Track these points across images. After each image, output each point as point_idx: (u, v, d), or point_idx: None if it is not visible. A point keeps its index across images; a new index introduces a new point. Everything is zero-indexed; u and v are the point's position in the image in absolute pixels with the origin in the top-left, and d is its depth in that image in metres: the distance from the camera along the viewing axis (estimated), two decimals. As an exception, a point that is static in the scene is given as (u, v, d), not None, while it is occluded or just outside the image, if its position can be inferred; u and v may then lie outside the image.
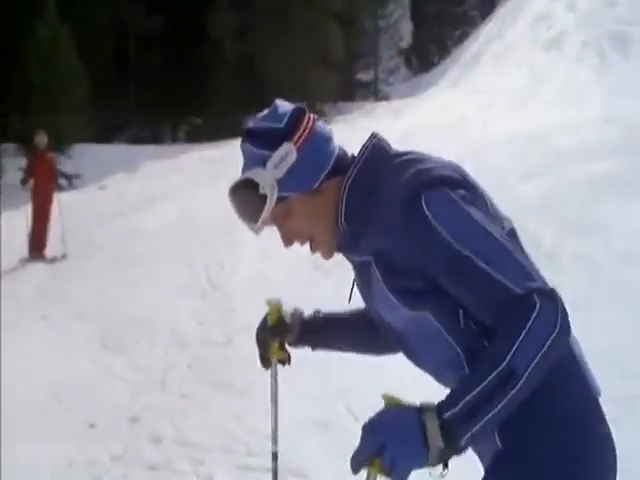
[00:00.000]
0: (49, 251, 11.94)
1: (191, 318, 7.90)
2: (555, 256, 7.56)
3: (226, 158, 18.33)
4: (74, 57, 23.62)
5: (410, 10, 45.42)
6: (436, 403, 1.42)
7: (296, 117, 1.78)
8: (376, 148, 1.80)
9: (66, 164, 21.07)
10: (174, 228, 12.47)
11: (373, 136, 1.82)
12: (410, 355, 1.84)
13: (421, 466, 1.39)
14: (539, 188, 9.63)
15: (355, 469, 1.40)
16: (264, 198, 1.74)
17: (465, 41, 36.37)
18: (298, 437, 4.70)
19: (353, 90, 40.38)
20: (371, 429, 1.40)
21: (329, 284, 7.55)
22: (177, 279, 9.43)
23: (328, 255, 1.86)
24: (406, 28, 45.27)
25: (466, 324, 1.63)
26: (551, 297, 1.48)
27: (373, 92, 40.48)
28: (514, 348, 1.42)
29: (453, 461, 1.46)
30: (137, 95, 30.77)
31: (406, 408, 1.42)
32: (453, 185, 1.65)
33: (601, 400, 1.72)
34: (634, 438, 3.78)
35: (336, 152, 1.80)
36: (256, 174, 1.76)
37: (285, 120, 1.77)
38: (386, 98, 36.23)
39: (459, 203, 1.61)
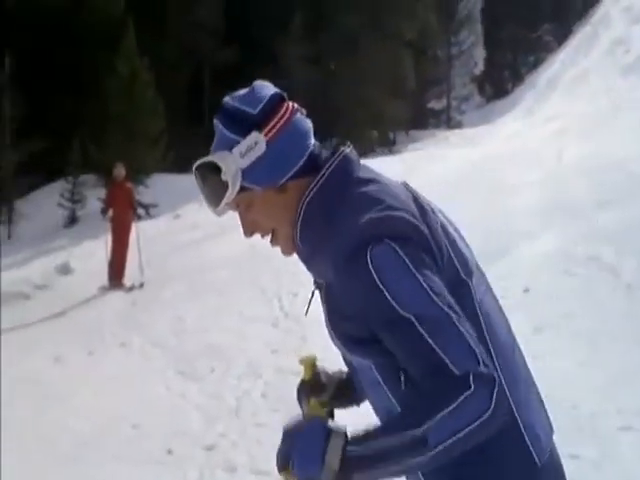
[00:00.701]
0: (127, 280, 12.19)
1: (265, 346, 7.94)
2: (634, 286, 7.35)
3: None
4: (151, 90, 24.22)
5: (483, 36, 45.24)
6: (349, 431, 1.44)
7: (272, 105, 1.66)
8: (342, 167, 1.67)
9: (144, 194, 21.55)
10: (246, 256, 12.58)
11: (341, 152, 1.69)
12: (363, 390, 1.80)
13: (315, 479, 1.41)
14: (618, 217, 9.40)
15: (278, 470, 1.48)
16: (225, 186, 1.65)
17: (539, 67, 36.04)
18: None
19: (425, 118, 40.32)
20: (283, 435, 1.49)
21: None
22: (250, 307, 9.50)
23: (288, 252, 1.79)
24: (479, 55, 45.08)
25: (407, 385, 1.57)
26: (488, 381, 1.41)
27: (445, 120, 40.35)
28: (435, 419, 1.38)
29: None
30: (211, 125, 31.28)
31: (319, 422, 1.46)
32: (404, 240, 1.54)
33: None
34: None
35: (309, 150, 1.67)
36: (221, 159, 1.64)
37: (260, 107, 1.65)
38: (458, 126, 36.09)
39: (406, 264, 1.50)
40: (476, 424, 1.38)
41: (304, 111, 1.73)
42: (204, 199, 1.73)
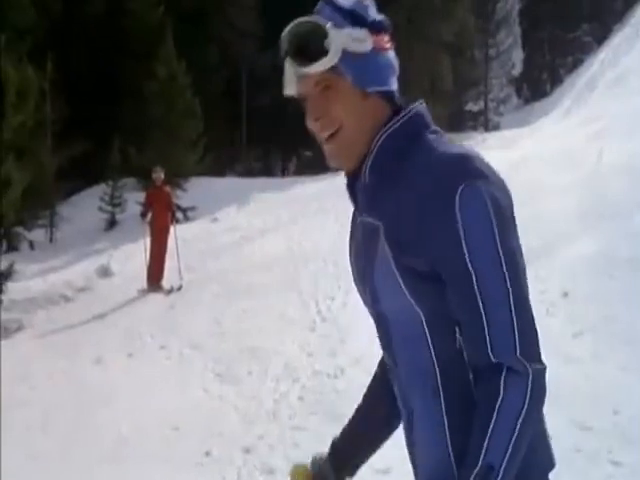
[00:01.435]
0: (166, 282, 12.29)
1: (302, 349, 7.96)
2: (677, 289, 7.26)
3: (334, 191, 18.49)
4: (189, 93, 24.42)
5: (521, 38, 44.90)
6: None
7: (384, 27, 1.63)
8: (422, 114, 1.64)
9: (182, 197, 21.71)
10: (284, 259, 12.64)
11: (421, 102, 1.66)
12: (387, 349, 1.70)
13: None
14: (659, 218, 9.28)
15: None
16: (324, 53, 1.56)
17: (578, 68, 35.67)
18: None
19: (463, 120, 40.12)
20: None
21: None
22: (288, 310, 9.54)
23: (337, 159, 1.67)
24: (517, 56, 44.75)
25: (460, 347, 1.53)
26: (520, 376, 1.43)
27: (483, 122, 40.09)
28: (485, 444, 1.41)
29: None
30: (248, 129, 31.49)
31: None
32: (495, 191, 1.50)
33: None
34: None
35: (395, 87, 1.65)
36: (331, 27, 1.56)
37: (374, 18, 1.62)
38: (496, 128, 35.85)
39: (491, 218, 1.47)
40: (518, 427, 1.41)
41: None
42: (291, 59, 1.64)
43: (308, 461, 2.02)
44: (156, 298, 11.73)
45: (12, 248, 19.23)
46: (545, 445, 1.63)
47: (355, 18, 1.59)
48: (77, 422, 6.78)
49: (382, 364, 1.88)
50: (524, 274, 1.53)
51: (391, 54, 1.65)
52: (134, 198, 21.52)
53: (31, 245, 20.53)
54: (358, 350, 7.25)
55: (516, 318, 1.46)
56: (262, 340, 8.43)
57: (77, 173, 23.92)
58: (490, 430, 1.41)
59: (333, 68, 1.57)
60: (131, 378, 7.92)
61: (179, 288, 11.98)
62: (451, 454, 1.56)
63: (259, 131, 31.74)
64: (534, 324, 1.50)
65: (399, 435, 1.82)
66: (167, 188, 13.15)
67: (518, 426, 1.41)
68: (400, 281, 1.55)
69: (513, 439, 1.41)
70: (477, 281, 1.46)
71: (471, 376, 1.52)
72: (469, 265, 1.46)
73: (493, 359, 1.45)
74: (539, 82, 43.71)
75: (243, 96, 30.95)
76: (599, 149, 14.59)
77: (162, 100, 23.56)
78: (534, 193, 11.56)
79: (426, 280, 1.52)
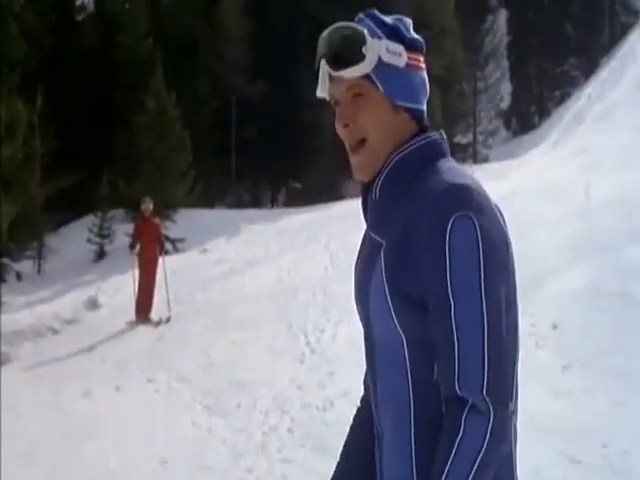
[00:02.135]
0: (155, 314, 12.23)
1: (291, 382, 7.92)
2: (666, 322, 7.27)
3: (324, 222, 18.55)
4: (179, 125, 24.53)
5: (509, 71, 45.35)
6: None
7: (418, 45, 1.67)
8: (440, 142, 1.68)
9: (171, 228, 21.70)
10: (273, 291, 12.62)
11: (440, 133, 1.70)
12: (369, 368, 1.71)
13: None
14: (648, 251, 9.31)
15: None
16: (361, 58, 1.59)
17: (566, 102, 36.03)
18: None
19: (452, 152, 40.22)
20: None
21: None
22: (277, 342, 9.50)
23: (363, 172, 1.67)
24: (505, 89, 45.14)
25: (437, 379, 1.53)
26: (482, 415, 1.43)
27: (472, 154, 40.31)
28: (443, 478, 1.42)
29: None
30: (237, 160, 31.58)
31: None
32: (487, 225, 1.51)
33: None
34: None
35: (424, 104, 1.69)
36: (370, 37, 1.60)
37: (411, 36, 1.66)
38: (485, 160, 36.05)
39: (479, 251, 1.47)
40: (476, 466, 1.41)
41: None
42: (327, 61, 1.63)
43: None
44: (144, 330, 11.66)
45: (-1, 279, 19.14)
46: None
47: (393, 32, 1.63)
48: (64, 455, 6.71)
49: (363, 399, 1.87)
50: (510, 314, 1.52)
51: (424, 75, 1.69)
52: (123, 229, 21.49)
53: (18, 276, 20.43)
54: (347, 382, 7.21)
55: (488, 356, 1.45)
56: (251, 372, 8.38)
57: (66, 204, 23.92)
58: (448, 466, 1.42)
59: (367, 76, 1.61)
60: (119, 411, 7.85)
61: (168, 320, 11.92)
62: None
63: (248, 162, 31.82)
64: (508, 365, 1.50)
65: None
66: (156, 219, 13.14)
67: (476, 466, 1.41)
68: (389, 303, 1.56)
69: (470, 478, 1.41)
70: (455, 312, 1.46)
71: (444, 408, 1.51)
72: (449, 294, 1.47)
73: (459, 392, 1.45)
74: (527, 115, 44.07)
75: (232, 127, 31.05)
76: (587, 182, 14.69)
77: (152, 132, 23.66)
78: (523, 225, 11.61)
79: (415, 307, 1.53)
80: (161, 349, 10.33)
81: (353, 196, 23.98)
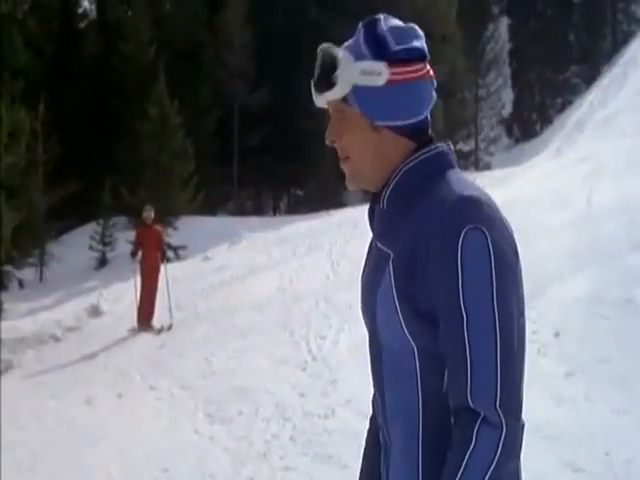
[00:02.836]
0: (156, 322, 12.22)
1: (293, 389, 7.91)
2: (669, 329, 7.25)
3: (326, 229, 18.54)
4: (181, 133, 24.57)
5: (511, 78, 45.39)
6: None
7: (411, 56, 1.62)
8: (446, 153, 1.67)
9: (173, 236, 21.70)
10: (275, 298, 12.61)
11: (448, 143, 1.70)
12: (377, 377, 1.70)
13: None
14: (651, 258, 9.30)
15: None
16: (331, 85, 1.61)
17: (568, 109, 36.04)
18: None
19: (454, 160, 40.30)
20: None
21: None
22: (279, 350, 9.49)
23: (351, 183, 1.69)
24: (507, 96, 45.15)
25: (447, 391, 1.52)
26: (493, 428, 1.42)
27: (473, 162, 40.31)
28: None
29: None
30: (240, 168, 31.60)
31: None
32: (501, 236, 1.51)
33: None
34: None
35: (418, 118, 1.64)
36: (344, 62, 1.60)
37: (401, 47, 1.61)
38: (487, 168, 36.04)
39: (491, 264, 1.47)
40: (486, 479, 1.41)
41: (434, 83, 1.70)
42: (312, 81, 1.67)
43: None
44: (146, 338, 11.66)
45: (1, 287, 19.15)
46: None
47: (377, 47, 1.61)
48: (66, 463, 6.70)
49: (372, 420, 1.85)
50: (519, 325, 1.52)
51: (416, 85, 1.63)
52: (125, 237, 21.51)
53: (20, 284, 20.45)
54: (349, 390, 7.21)
55: (501, 369, 1.45)
56: (253, 380, 8.37)
57: (68, 212, 23.94)
58: (458, 477, 1.42)
59: (344, 98, 1.62)
60: (121, 419, 7.85)
61: (169, 328, 11.91)
62: None
63: (250, 170, 31.84)
64: (519, 379, 1.50)
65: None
66: (158, 227, 13.14)
67: (486, 479, 1.41)
68: (399, 313, 1.55)
69: None
70: (467, 325, 1.46)
71: (452, 420, 1.51)
72: (462, 307, 1.46)
73: (471, 405, 1.44)
74: (529, 122, 44.06)
75: (235, 135, 31.08)
76: (589, 189, 14.67)
77: (154, 139, 23.70)
78: (525, 232, 11.60)
79: (425, 319, 1.53)
80: (163, 356, 10.33)
81: (355, 204, 24.00)
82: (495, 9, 46.40)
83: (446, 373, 1.52)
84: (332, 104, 1.65)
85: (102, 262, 22.20)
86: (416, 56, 1.63)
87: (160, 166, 23.62)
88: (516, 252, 1.56)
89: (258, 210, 34.85)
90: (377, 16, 1.66)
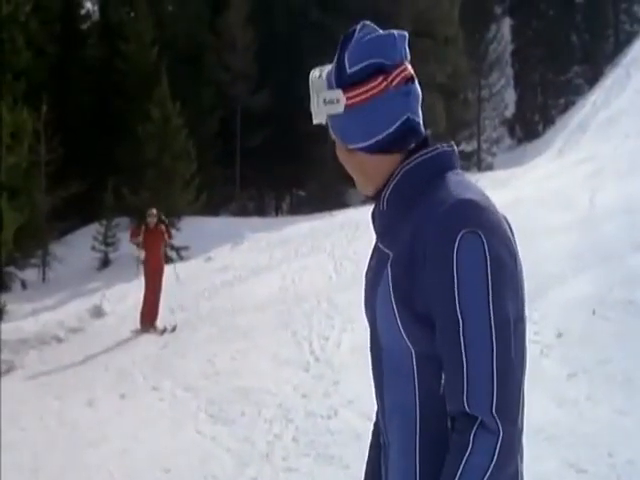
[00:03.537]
0: (160, 322, 12.22)
1: (295, 390, 7.91)
2: (671, 330, 7.25)
3: (328, 230, 18.55)
4: (183, 134, 24.60)
5: (513, 79, 45.39)
6: None
7: (367, 73, 1.60)
8: (447, 155, 1.66)
9: (175, 236, 21.70)
10: (278, 299, 12.61)
11: (450, 144, 1.69)
12: (376, 378, 1.70)
13: None
14: (652, 259, 9.29)
15: None
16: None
17: (571, 109, 36.02)
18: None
19: (456, 161, 40.26)
20: None
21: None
22: (281, 351, 9.49)
23: (362, 191, 1.75)
24: (509, 97, 45.17)
25: (443, 394, 1.52)
26: (490, 434, 1.42)
27: (476, 162, 40.35)
28: None
29: None
30: (242, 169, 31.62)
31: None
32: (498, 240, 1.50)
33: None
34: None
35: (387, 132, 1.61)
36: (316, 90, 1.67)
37: (355, 69, 1.61)
38: (489, 168, 36.07)
39: (487, 267, 1.46)
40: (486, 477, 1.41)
41: (412, 83, 1.65)
42: None
43: None
44: (149, 338, 11.66)
45: (4, 288, 19.18)
46: None
47: (338, 73, 1.63)
48: (68, 464, 6.70)
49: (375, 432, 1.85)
50: (518, 330, 1.51)
51: (378, 100, 1.60)
52: (127, 237, 21.53)
53: (23, 285, 20.48)
54: (352, 391, 7.21)
55: (497, 374, 1.44)
56: (255, 381, 8.37)
57: (71, 213, 23.98)
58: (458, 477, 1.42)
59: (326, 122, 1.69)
60: (123, 419, 7.84)
61: (173, 329, 11.90)
62: None
63: (253, 171, 31.88)
64: (516, 382, 1.49)
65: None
66: (162, 228, 13.09)
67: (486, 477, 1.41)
68: (396, 315, 1.56)
69: None
70: (463, 329, 1.45)
71: (449, 422, 1.51)
72: (458, 312, 1.46)
73: (468, 410, 1.44)
74: (531, 123, 44.09)
75: (237, 136, 31.11)
76: (592, 190, 14.67)
77: (156, 141, 23.74)
78: (528, 233, 11.60)
79: (421, 321, 1.53)
80: (165, 357, 10.33)
81: (357, 204, 24.00)
82: (497, 10, 46.42)
83: (443, 377, 1.52)
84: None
85: (105, 263, 22.24)
86: (371, 73, 1.60)
87: (162, 167, 23.65)
88: (514, 256, 1.55)
89: (260, 211, 34.87)
90: (351, 29, 1.65)
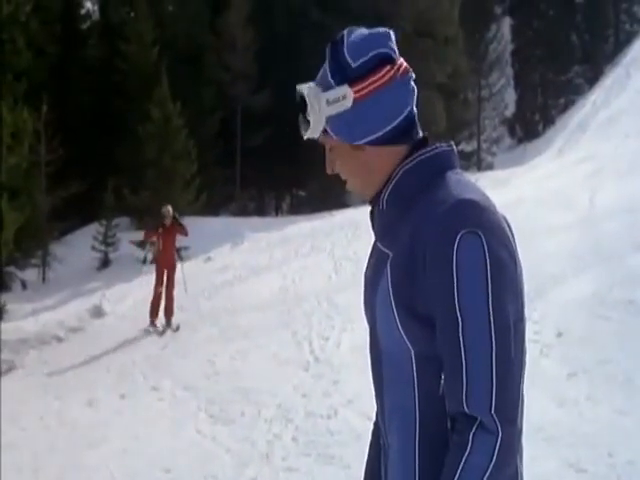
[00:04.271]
0: (159, 322, 12.18)
1: (295, 390, 7.91)
2: (671, 330, 7.25)
3: (328, 230, 18.55)
4: (183, 134, 24.58)
5: (514, 79, 45.38)
6: None
7: (373, 64, 1.60)
8: (448, 154, 1.66)
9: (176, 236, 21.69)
10: (278, 299, 12.61)
11: (451, 144, 1.69)
12: (375, 378, 1.71)
13: None
14: (653, 259, 9.30)
15: None
16: (307, 125, 1.64)
17: (571, 109, 36.03)
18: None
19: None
20: None
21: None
22: (281, 351, 9.49)
23: (358, 195, 1.74)
24: (510, 97, 45.15)
25: (443, 392, 1.52)
26: (489, 434, 1.42)
27: (476, 162, 40.33)
28: None
29: None
30: (242, 169, 31.61)
31: None
32: (498, 240, 1.50)
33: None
34: None
35: (396, 121, 1.62)
36: (311, 99, 1.62)
37: (360, 62, 1.60)
38: (489, 168, 36.06)
39: (487, 269, 1.46)
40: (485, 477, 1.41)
41: (411, 75, 1.67)
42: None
43: None
44: (149, 338, 11.66)
45: (4, 288, 19.17)
46: None
47: (340, 72, 1.61)
48: (68, 464, 6.70)
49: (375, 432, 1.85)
50: (518, 330, 1.51)
51: (385, 90, 1.61)
52: (127, 237, 21.54)
53: (23, 285, 20.46)
54: (352, 391, 7.22)
55: (496, 375, 1.44)
56: (255, 381, 8.38)
57: (71, 212, 23.96)
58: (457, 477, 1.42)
59: (324, 131, 1.64)
60: (123, 419, 7.85)
61: (177, 328, 11.84)
62: None
63: (253, 171, 31.86)
64: (516, 382, 1.49)
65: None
66: (176, 226, 13.01)
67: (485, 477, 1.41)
68: (395, 315, 1.56)
69: None
70: (463, 329, 1.45)
71: (449, 423, 1.51)
72: (457, 312, 1.46)
73: (467, 410, 1.44)
74: (532, 123, 44.06)
75: (237, 136, 31.09)
76: (592, 190, 14.67)
77: (157, 141, 23.72)
78: (528, 233, 11.60)
79: (421, 321, 1.52)
80: (166, 357, 10.33)
81: (357, 204, 23.99)
82: (498, 10, 46.41)
83: (442, 377, 1.52)
84: (319, 138, 1.67)
85: (105, 263, 22.20)
86: (378, 63, 1.61)
87: (162, 167, 23.63)
88: (514, 257, 1.54)
89: (260, 211, 34.85)
90: (339, 35, 1.65)
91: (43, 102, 21.35)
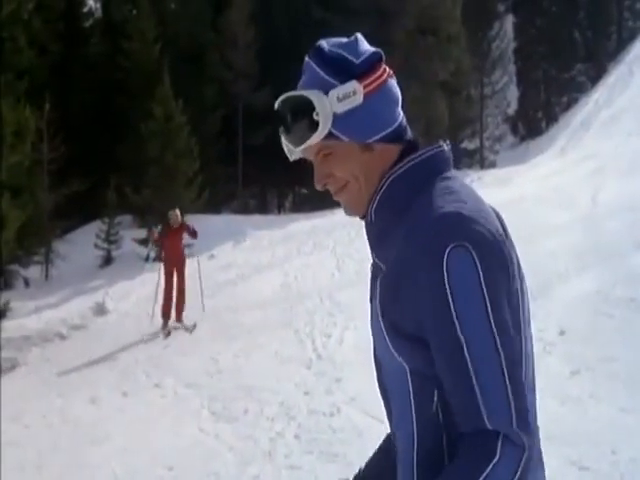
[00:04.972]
0: (172, 322, 12.09)
1: (298, 388, 7.91)
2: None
3: (330, 227, 18.54)
4: (185, 132, 24.58)
5: (516, 77, 45.32)
6: None
7: (373, 61, 1.58)
8: (438, 157, 1.59)
9: (177, 235, 21.69)
10: (280, 297, 12.61)
11: (441, 145, 1.61)
12: (380, 387, 1.68)
13: None
14: (655, 256, 9.29)
15: None
16: (315, 126, 1.55)
17: (573, 107, 35.98)
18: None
19: (458, 158, 40.28)
20: None
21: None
22: (284, 348, 9.49)
23: (350, 209, 1.65)
24: (512, 95, 45.09)
25: (437, 410, 1.49)
26: (516, 447, 1.37)
27: (479, 160, 40.27)
28: None
29: None
30: (244, 166, 31.61)
31: None
32: (486, 252, 1.42)
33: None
34: None
35: (400, 117, 1.61)
36: (317, 98, 1.54)
37: (363, 58, 1.57)
38: (492, 166, 36.02)
39: (480, 281, 1.40)
40: None
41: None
42: (283, 135, 1.63)
43: None
44: (152, 336, 11.65)
45: (7, 285, 19.19)
46: None
47: (342, 69, 1.56)
48: (71, 462, 6.71)
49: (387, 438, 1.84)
50: (524, 337, 1.49)
51: (387, 87, 1.60)
52: (130, 235, 21.55)
53: (26, 282, 20.49)
54: (354, 388, 7.22)
55: (511, 388, 1.39)
56: (258, 378, 8.38)
57: (73, 210, 23.98)
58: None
59: (329, 134, 1.56)
60: (126, 417, 7.85)
61: (194, 327, 11.74)
62: None
63: (255, 169, 31.85)
64: (529, 390, 1.46)
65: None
66: (185, 228, 12.92)
67: None
68: (384, 333, 1.52)
69: None
70: (468, 348, 1.39)
71: (444, 440, 1.49)
72: (459, 332, 1.40)
73: (489, 426, 1.38)
74: (534, 120, 44.01)
75: (239, 134, 31.09)
76: (594, 188, 14.66)
77: (159, 139, 23.70)
78: (530, 231, 11.59)
79: (409, 340, 1.49)
80: (168, 355, 10.33)
81: (360, 202, 23.98)
82: (500, 7, 46.28)
83: (436, 395, 1.48)
84: (314, 148, 1.59)
85: (107, 260, 22.22)
86: (376, 59, 1.60)
87: (165, 165, 23.62)
88: (508, 265, 1.48)
89: (263, 208, 34.85)
90: (318, 44, 1.63)
91: (45, 100, 21.36)
